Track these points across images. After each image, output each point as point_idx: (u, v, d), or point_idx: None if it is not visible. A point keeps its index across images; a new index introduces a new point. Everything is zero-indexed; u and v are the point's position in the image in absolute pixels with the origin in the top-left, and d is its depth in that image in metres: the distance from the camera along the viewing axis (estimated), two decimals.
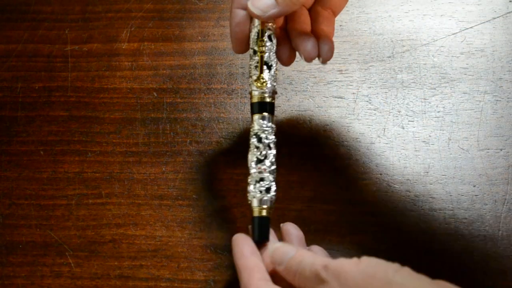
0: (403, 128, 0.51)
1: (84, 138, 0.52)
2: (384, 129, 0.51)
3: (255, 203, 0.43)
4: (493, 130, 0.51)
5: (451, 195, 0.49)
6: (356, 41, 0.54)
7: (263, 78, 0.43)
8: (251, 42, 0.43)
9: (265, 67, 0.43)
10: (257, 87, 0.43)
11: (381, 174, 0.50)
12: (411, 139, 0.51)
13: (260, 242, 0.42)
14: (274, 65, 0.43)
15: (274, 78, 0.43)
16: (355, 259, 0.36)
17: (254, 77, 0.43)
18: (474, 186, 0.49)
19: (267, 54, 0.43)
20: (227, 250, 0.48)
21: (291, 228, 0.44)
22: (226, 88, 0.53)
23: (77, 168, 0.51)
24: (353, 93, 0.53)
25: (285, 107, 0.52)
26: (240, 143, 0.51)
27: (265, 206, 0.42)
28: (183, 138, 0.52)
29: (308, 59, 0.44)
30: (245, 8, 0.42)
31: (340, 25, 0.55)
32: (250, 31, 0.43)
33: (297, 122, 0.52)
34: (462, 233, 0.47)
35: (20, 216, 0.50)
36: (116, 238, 0.48)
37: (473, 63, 0.53)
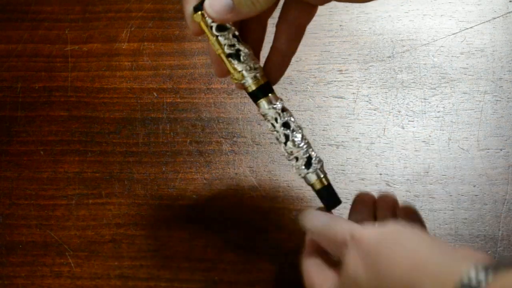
0: (403, 128, 0.51)
1: (84, 138, 0.52)
2: (384, 129, 0.51)
3: (313, 178, 0.41)
4: (493, 130, 0.51)
5: (451, 195, 0.49)
6: (356, 41, 0.54)
7: (235, 71, 0.40)
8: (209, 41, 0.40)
9: (231, 59, 0.39)
10: (236, 79, 0.40)
11: (381, 174, 0.50)
12: (411, 139, 0.51)
13: (335, 207, 0.42)
14: (241, 48, 0.39)
15: (249, 61, 0.40)
16: (378, 225, 0.37)
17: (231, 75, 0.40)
18: (474, 186, 0.49)
19: (227, 45, 0.39)
20: (227, 250, 0.48)
21: (363, 196, 0.44)
22: (226, 88, 0.53)
23: (77, 168, 0.51)
24: (353, 93, 0.53)
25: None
26: (240, 143, 0.51)
27: (322, 176, 0.41)
28: (183, 138, 0.52)
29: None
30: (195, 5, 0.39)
31: (340, 25, 0.55)
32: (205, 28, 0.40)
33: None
34: (462, 233, 0.47)
35: (20, 216, 0.50)
36: (116, 238, 0.48)
37: (473, 63, 0.53)
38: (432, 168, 0.50)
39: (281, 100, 0.41)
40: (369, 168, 0.50)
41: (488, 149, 0.50)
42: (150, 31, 0.56)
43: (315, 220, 0.40)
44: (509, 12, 0.55)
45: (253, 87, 0.40)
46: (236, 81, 0.40)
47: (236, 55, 0.39)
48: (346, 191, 0.49)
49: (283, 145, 0.41)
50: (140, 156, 0.51)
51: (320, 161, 0.41)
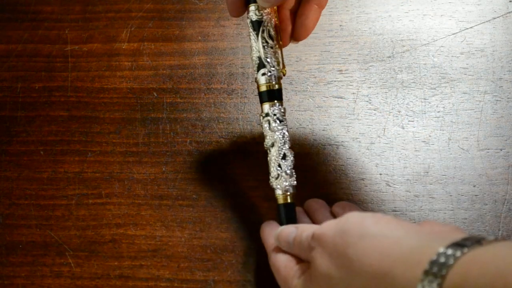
0: (403, 128, 0.51)
1: (84, 138, 0.52)
2: (384, 129, 0.51)
3: (280, 192, 0.44)
4: (493, 130, 0.51)
5: (451, 195, 0.49)
6: (356, 41, 0.54)
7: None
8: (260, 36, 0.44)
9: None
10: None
11: (381, 174, 0.50)
12: (411, 139, 0.51)
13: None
14: (271, 60, 0.44)
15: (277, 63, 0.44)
16: (336, 219, 0.36)
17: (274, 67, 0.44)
18: (474, 186, 0.49)
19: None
20: (227, 250, 0.48)
21: (312, 204, 0.46)
22: (226, 88, 0.53)
23: (77, 168, 0.51)
24: (353, 93, 0.53)
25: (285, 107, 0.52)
26: (240, 143, 0.51)
27: (288, 193, 0.43)
28: (183, 138, 0.52)
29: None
30: None
31: (340, 25, 0.55)
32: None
33: (297, 122, 0.52)
34: None
35: (20, 216, 0.50)
36: (116, 238, 0.48)
37: (473, 63, 0.53)
38: (432, 168, 0.50)
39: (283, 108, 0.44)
40: (369, 168, 0.50)
41: (488, 149, 0.50)
42: (150, 31, 0.56)
43: (283, 235, 0.41)
44: (509, 12, 0.55)
45: (274, 88, 0.44)
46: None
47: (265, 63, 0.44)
48: (346, 191, 0.49)
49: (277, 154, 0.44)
50: (140, 156, 0.51)
51: (292, 176, 0.44)
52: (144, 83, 0.54)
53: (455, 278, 0.28)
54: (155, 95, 0.53)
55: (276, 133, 0.44)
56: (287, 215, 0.43)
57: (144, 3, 0.57)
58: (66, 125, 0.53)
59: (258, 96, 0.44)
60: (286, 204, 0.43)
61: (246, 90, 0.53)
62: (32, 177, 0.51)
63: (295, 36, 0.45)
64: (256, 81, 0.44)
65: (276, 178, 0.43)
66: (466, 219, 0.48)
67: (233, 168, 0.50)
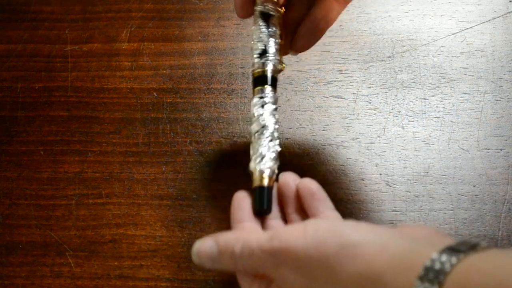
0: (403, 128, 0.51)
1: (84, 138, 0.52)
2: (384, 129, 0.51)
3: (256, 173, 0.41)
4: (493, 130, 0.51)
5: (451, 195, 0.49)
6: (356, 41, 0.54)
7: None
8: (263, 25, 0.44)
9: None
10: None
11: (381, 174, 0.50)
12: (411, 139, 0.51)
13: (262, 214, 0.40)
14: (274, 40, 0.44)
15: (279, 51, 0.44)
16: (299, 228, 0.33)
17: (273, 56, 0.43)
18: (474, 186, 0.49)
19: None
20: None
21: (311, 185, 0.41)
22: (226, 88, 0.53)
23: (77, 168, 0.51)
24: (353, 93, 0.53)
25: (285, 107, 0.52)
26: (240, 143, 0.51)
27: (265, 175, 0.40)
28: (183, 138, 0.52)
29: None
30: None
31: (340, 25, 0.55)
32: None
33: (297, 122, 0.52)
34: (462, 233, 0.47)
35: (20, 216, 0.50)
36: (116, 238, 0.48)
37: (473, 63, 0.53)
38: (432, 168, 0.50)
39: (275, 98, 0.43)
40: (369, 168, 0.50)
41: (488, 149, 0.50)
42: (150, 31, 0.56)
43: (203, 251, 0.37)
44: (509, 12, 0.55)
45: (267, 74, 0.43)
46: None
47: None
48: (346, 191, 0.49)
49: (256, 132, 0.42)
50: (140, 156, 0.51)
51: (277, 164, 0.41)
52: (144, 83, 0.54)
53: (453, 286, 0.28)
54: (155, 95, 0.53)
55: (270, 116, 0.42)
56: (261, 198, 0.40)
57: (144, 3, 0.57)
58: (66, 125, 0.53)
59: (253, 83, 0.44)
60: (261, 187, 0.40)
61: (246, 90, 0.53)
62: (32, 177, 0.51)
63: (296, 47, 0.44)
64: (255, 65, 0.43)
65: (260, 161, 0.41)
66: (466, 219, 0.48)
67: (233, 168, 0.50)
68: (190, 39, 0.55)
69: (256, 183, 0.41)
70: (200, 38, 0.55)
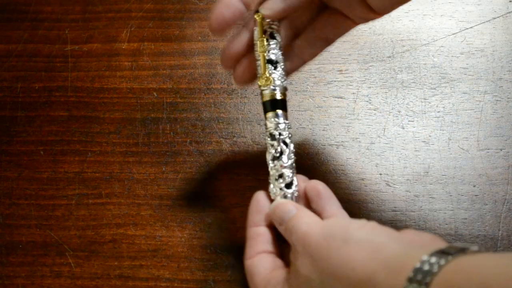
0: (403, 128, 0.51)
1: (84, 138, 0.52)
2: (384, 129, 0.51)
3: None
4: (493, 130, 0.51)
5: (451, 195, 0.49)
6: (356, 41, 0.54)
7: (267, 76, 0.43)
8: (255, 41, 0.43)
9: (269, 65, 0.43)
10: (263, 85, 0.43)
11: (381, 174, 0.50)
12: (411, 139, 0.51)
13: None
14: (280, 62, 0.43)
15: (282, 75, 0.43)
16: (324, 221, 0.36)
17: (260, 76, 0.43)
18: (474, 186, 0.49)
19: (271, 51, 0.43)
20: (227, 250, 0.48)
21: (318, 185, 0.42)
22: (226, 88, 0.53)
23: (77, 168, 0.51)
24: (353, 93, 0.53)
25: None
26: (240, 143, 0.51)
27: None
28: (183, 138, 0.52)
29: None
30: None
31: None
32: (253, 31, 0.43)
33: (297, 122, 0.52)
34: (462, 233, 0.47)
35: (20, 216, 0.50)
36: (116, 238, 0.48)
37: (473, 63, 0.53)
38: (432, 168, 0.50)
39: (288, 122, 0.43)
40: (369, 168, 0.50)
41: (488, 149, 0.50)
42: (150, 31, 0.56)
43: (280, 210, 0.40)
44: (509, 12, 0.55)
45: (278, 97, 0.43)
46: (261, 85, 0.43)
47: (275, 63, 0.43)
48: (346, 191, 0.49)
49: (274, 159, 0.43)
50: (140, 156, 0.51)
51: (297, 190, 0.42)
52: (144, 83, 0.54)
53: (439, 286, 0.28)
54: (155, 95, 0.53)
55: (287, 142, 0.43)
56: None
57: (144, 3, 0.57)
58: (66, 125, 0.53)
59: (259, 96, 0.44)
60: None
61: (246, 90, 0.53)
62: (32, 177, 0.51)
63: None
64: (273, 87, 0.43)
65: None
66: (466, 219, 0.48)
67: (233, 168, 0.50)
68: (190, 39, 0.55)
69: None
70: (200, 38, 0.55)
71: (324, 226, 0.35)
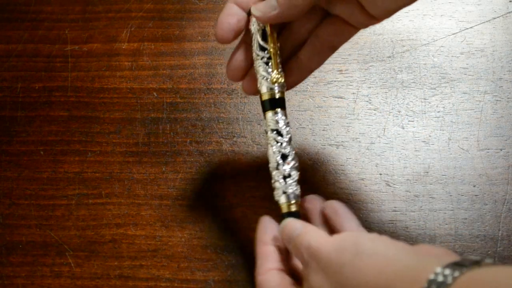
0: (403, 128, 0.51)
1: (84, 138, 0.52)
2: (384, 129, 0.51)
3: (282, 199, 0.42)
4: (493, 130, 0.51)
5: (451, 195, 0.49)
6: (356, 41, 0.54)
7: (277, 75, 0.43)
8: (255, 43, 0.43)
9: (266, 65, 0.43)
10: (277, 82, 0.42)
11: (381, 174, 0.50)
12: (411, 139, 0.51)
13: None
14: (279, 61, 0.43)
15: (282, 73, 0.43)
16: (335, 236, 0.36)
17: (268, 75, 0.43)
18: (474, 186, 0.49)
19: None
20: (227, 250, 0.48)
21: (334, 204, 0.43)
22: (226, 88, 0.53)
23: (77, 168, 0.51)
24: (353, 93, 0.53)
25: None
26: (240, 143, 0.51)
27: (293, 202, 0.42)
28: (183, 138, 0.52)
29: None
30: (239, 4, 0.42)
31: None
32: (251, 33, 0.43)
33: (297, 122, 0.52)
34: (462, 233, 0.47)
35: (20, 216, 0.50)
36: (116, 238, 0.48)
37: (473, 63, 0.53)
38: (432, 168, 0.50)
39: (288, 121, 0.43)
40: (369, 168, 0.50)
41: (488, 149, 0.50)
42: (150, 31, 0.56)
43: (288, 229, 0.40)
44: (509, 12, 0.55)
45: (278, 96, 0.42)
46: (273, 82, 0.42)
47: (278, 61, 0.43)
48: (346, 191, 0.49)
49: (283, 158, 0.43)
50: (140, 156, 0.51)
51: (299, 188, 0.43)
52: (144, 83, 0.54)
53: None
54: (155, 95, 0.53)
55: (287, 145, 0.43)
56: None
57: (144, 3, 0.57)
58: (66, 125, 0.53)
59: (259, 99, 0.44)
60: (290, 213, 0.42)
61: None
62: (32, 177, 0.51)
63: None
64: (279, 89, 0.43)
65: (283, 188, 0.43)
66: (466, 219, 0.48)
67: (233, 168, 0.50)
68: (190, 39, 0.55)
69: (284, 210, 0.42)
70: (200, 38, 0.55)
71: (335, 240, 0.35)
